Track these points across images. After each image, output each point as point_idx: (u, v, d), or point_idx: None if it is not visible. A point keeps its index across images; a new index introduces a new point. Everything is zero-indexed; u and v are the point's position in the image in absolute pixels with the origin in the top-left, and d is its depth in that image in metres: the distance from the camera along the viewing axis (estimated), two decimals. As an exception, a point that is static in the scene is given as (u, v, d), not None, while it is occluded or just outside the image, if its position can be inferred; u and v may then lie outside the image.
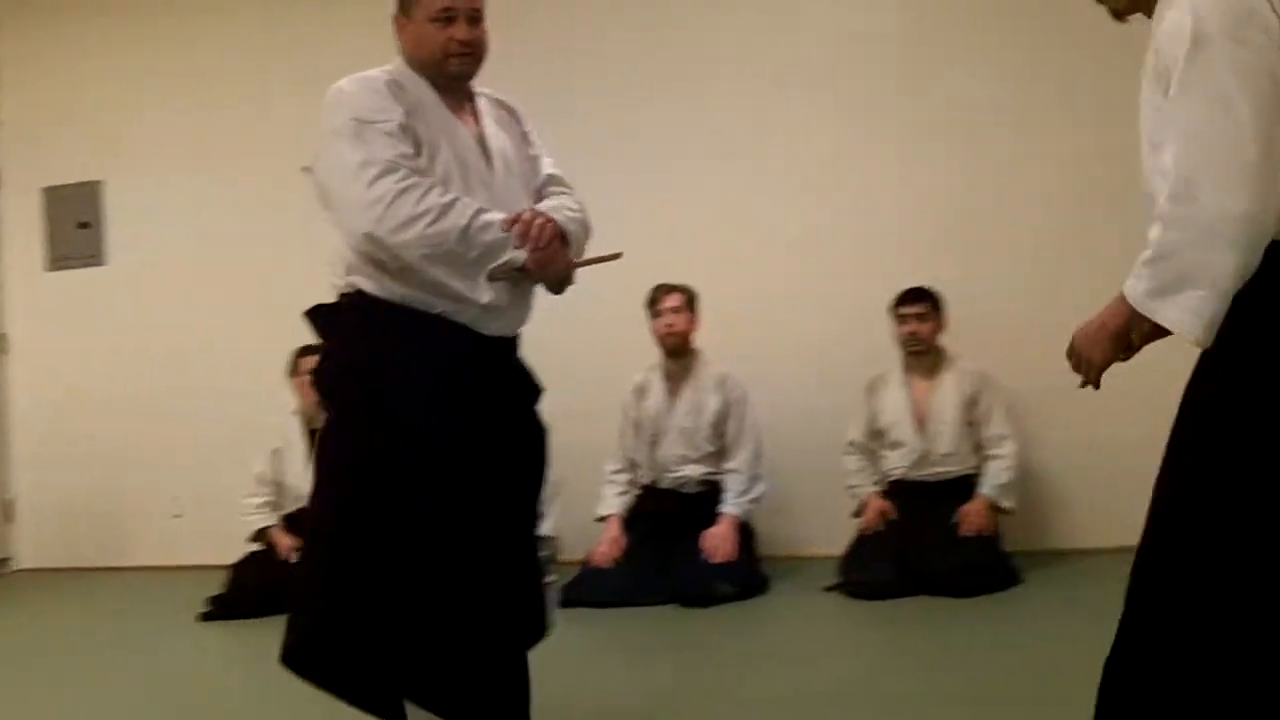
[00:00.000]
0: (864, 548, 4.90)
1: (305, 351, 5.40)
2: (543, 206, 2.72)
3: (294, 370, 5.38)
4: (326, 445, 2.69)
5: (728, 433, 5.16)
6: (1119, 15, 2.19)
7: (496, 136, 2.75)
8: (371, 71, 2.66)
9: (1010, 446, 5.00)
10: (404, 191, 2.49)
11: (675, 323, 5.14)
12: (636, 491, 5.21)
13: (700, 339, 5.23)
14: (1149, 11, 2.10)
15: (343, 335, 2.66)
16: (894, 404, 5.13)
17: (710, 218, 5.71)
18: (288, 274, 5.96)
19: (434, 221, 2.50)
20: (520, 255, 2.58)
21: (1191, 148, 1.90)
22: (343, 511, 2.60)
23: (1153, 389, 4.88)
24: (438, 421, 2.57)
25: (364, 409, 2.60)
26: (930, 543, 4.76)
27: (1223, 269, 1.89)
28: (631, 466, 5.25)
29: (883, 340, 5.17)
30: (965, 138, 5.46)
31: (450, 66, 2.66)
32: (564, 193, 2.82)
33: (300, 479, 5.38)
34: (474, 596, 2.59)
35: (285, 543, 5.21)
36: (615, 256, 2.75)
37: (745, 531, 5.04)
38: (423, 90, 2.65)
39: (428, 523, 2.55)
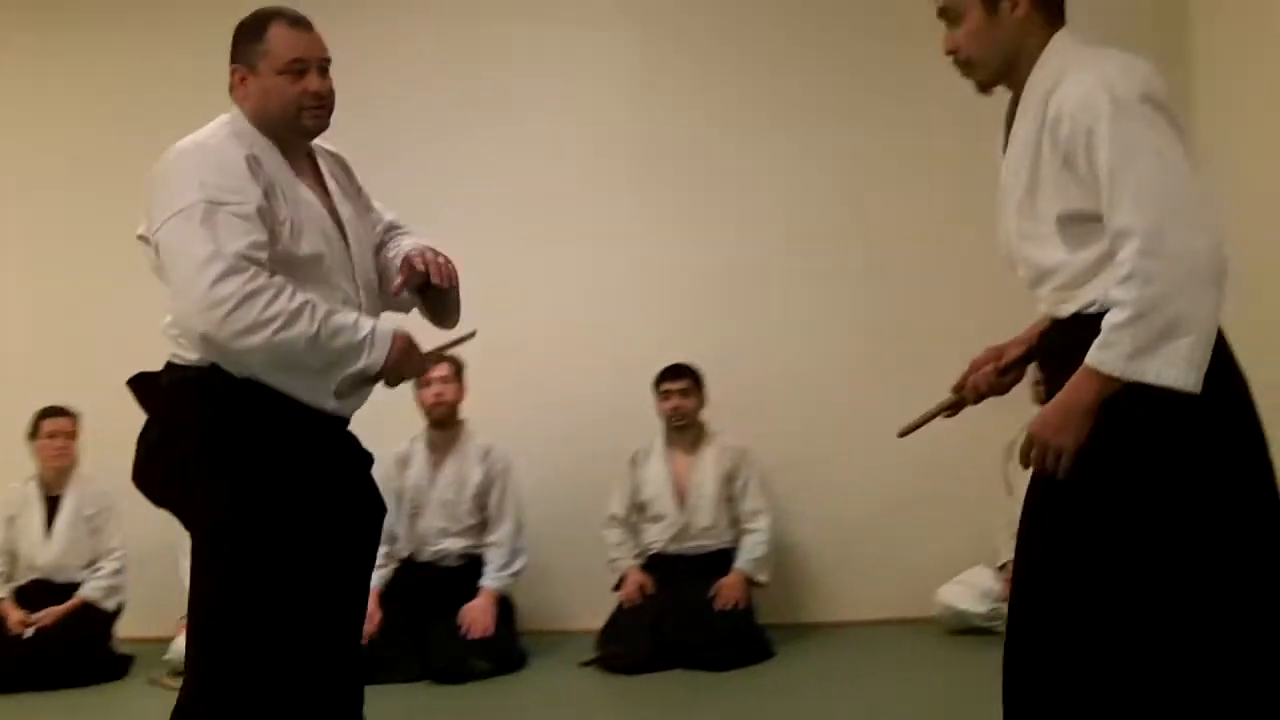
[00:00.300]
0: (622, 621, 4.92)
1: (48, 414, 5.16)
2: (410, 246, 2.65)
3: (34, 433, 5.12)
4: (210, 537, 2.45)
5: (490, 506, 5.13)
6: (984, 88, 2.28)
7: (343, 204, 2.62)
8: (219, 136, 2.47)
9: (765, 521, 5.12)
10: (250, 296, 2.30)
11: (444, 392, 5.10)
12: (394, 565, 5.10)
13: (464, 409, 5.20)
14: (1013, 84, 2.22)
15: (194, 408, 2.45)
16: (655, 477, 5.19)
17: (471, 286, 5.63)
18: (20, 332, 5.76)
19: (280, 329, 2.32)
20: (375, 364, 2.43)
21: (1151, 202, 1.99)
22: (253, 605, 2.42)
23: (900, 467, 5.17)
24: (313, 503, 2.46)
25: (240, 488, 2.41)
26: (687, 616, 4.82)
27: (1208, 309, 1.98)
28: (390, 539, 5.15)
29: (645, 414, 5.23)
30: (735, 214, 5.59)
31: (304, 121, 2.51)
32: (409, 233, 2.75)
33: (36, 548, 5.11)
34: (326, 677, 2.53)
35: (15, 616, 4.92)
36: (470, 336, 2.63)
37: (504, 606, 5.00)
38: (273, 157, 2.48)
39: (315, 612, 2.47)
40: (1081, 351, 2.07)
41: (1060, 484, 2.12)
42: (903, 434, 2.58)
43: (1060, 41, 2.19)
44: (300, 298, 2.36)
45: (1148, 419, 2.04)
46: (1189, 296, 1.98)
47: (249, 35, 2.53)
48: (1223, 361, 2.08)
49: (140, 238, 2.50)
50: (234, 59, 2.54)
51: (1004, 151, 2.26)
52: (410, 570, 5.09)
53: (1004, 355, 2.40)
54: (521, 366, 5.48)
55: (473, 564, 5.06)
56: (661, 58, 5.68)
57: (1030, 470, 2.19)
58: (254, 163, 2.42)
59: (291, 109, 2.49)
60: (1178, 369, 1.98)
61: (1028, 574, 2.23)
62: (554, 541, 5.34)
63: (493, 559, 5.04)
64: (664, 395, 5.19)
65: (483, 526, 5.12)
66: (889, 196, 5.48)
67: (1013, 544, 5.29)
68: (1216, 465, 2.07)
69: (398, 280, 2.62)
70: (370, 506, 2.66)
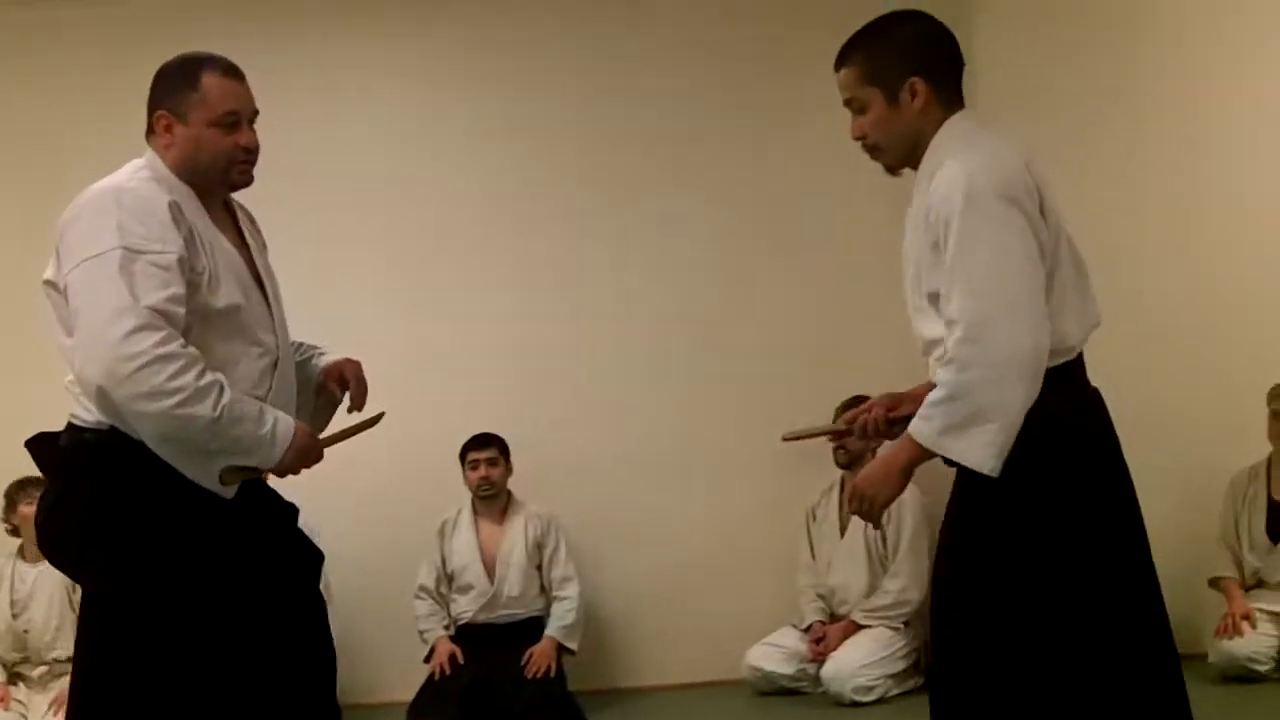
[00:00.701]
0: (433, 692, 4.87)
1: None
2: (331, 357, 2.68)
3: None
4: (98, 605, 2.34)
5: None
6: (892, 170, 2.44)
7: (259, 254, 2.55)
8: (138, 179, 2.35)
9: (574, 588, 5.13)
10: (159, 360, 2.18)
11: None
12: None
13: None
14: (916, 165, 2.37)
15: (90, 471, 2.32)
16: (464, 547, 5.17)
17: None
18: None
19: (181, 404, 2.20)
20: (268, 460, 2.33)
21: (978, 295, 2.15)
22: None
23: (706, 532, 5.27)
24: (221, 570, 2.34)
25: (135, 557, 2.29)
26: (498, 685, 4.81)
27: (1014, 403, 2.14)
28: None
29: (453, 484, 5.21)
30: (541, 288, 5.63)
31: (233, 176, 2.43)
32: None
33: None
34: None
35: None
36: (376, 420, 2.57)
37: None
38: (194, 205, 2.38)
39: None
40: None
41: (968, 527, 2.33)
42: (786, 439, 2.73)
43: (952, 126, 2.35)
44: (210, 377, 2.25)
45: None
46: (999, 389, 2.15)
47: (180, 81, 2.42)
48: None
49: (47, 283, 2.34)
50: (160, 104, 2.42)
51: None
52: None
53: (898, 407, 2.51)
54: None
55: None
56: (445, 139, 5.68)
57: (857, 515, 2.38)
58: (176, 210, 2.31)
59: (221, 162, 2.41)
60: (978, 453, 2.17)
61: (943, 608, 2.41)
62: (363, 614, 5.25)
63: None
64: (471, 465, 5.18)
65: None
66: (680, 276, 5.58)
67: (815, 605, 5.50)
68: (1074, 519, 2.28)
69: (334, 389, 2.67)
70: (299, 557, 2.53)
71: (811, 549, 5.13)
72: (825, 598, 5.05)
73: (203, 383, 2.23)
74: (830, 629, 4.95)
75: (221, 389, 2.26)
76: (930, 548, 4.38)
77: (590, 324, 5.59)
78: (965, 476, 2.29)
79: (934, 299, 2.27)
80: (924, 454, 2.24)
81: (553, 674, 4.89)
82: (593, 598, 5.33)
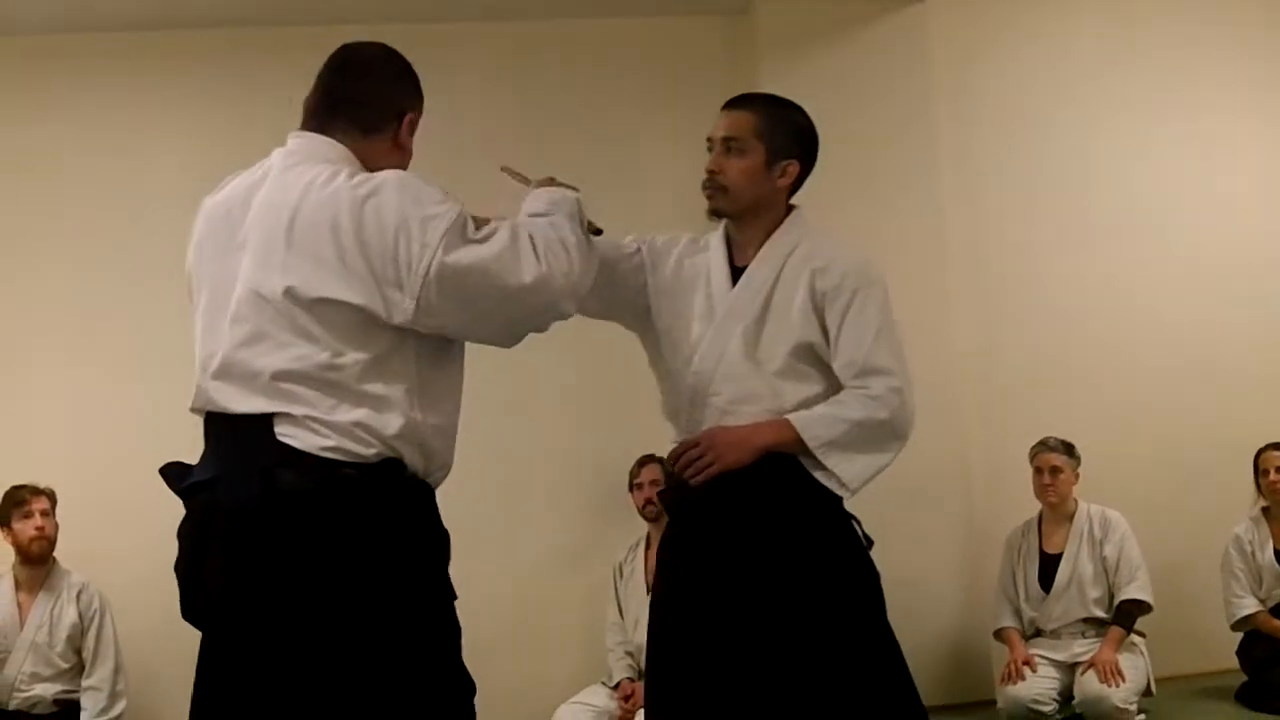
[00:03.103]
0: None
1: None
2: None
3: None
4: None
5: (85, 648, 4.82)
6: (719, 215, 2.64)
7: None
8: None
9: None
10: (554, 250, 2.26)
11: (46, 526, 4.78)
12: (-20, 715, 4.69)
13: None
14: (741, 226, 2.63)
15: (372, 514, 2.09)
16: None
17: (61, 424, 5.36)
18: None
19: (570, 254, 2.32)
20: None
21: (901, 361, 2.52)
22: None
23: (516, 587, 5.24)
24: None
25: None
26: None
27: (894, 451, 2.49)
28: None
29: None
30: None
31: None
32: None
33: None
34: None
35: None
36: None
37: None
38: None
39: None
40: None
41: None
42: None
43: (804, 216, 2.67)
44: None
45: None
46: (894, 439, 2.50)
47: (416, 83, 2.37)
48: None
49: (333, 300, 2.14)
50: (412, 106, 2.34)
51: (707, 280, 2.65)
52: (-2, 720, 4.69)
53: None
54: (116, 499, 5.14)
55: (69, 710, 4.73)
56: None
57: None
58: None
59: None
60: (852, 475, 2.46)
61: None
62: (158, 682, 5.06)
63: (89, 704, 4.73)
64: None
65: (79, 669, 4.80)
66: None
67: (624, 662, 5.54)
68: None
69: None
70: None
71: (619, 607, 5.18)
72: (633, 655, 5.09)
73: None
74: (639, 686, 5.00)
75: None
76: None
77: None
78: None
79: (803, 351, 2.53)
80: (791, 444, 2.46)
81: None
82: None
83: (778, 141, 2.60)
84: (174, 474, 2.26)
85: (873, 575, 2.59)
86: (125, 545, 5.17)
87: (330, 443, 2.07)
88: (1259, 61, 6.02)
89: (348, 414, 2.08)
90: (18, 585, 4.82)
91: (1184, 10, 6.01)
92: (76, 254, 5.35)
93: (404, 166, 2.29)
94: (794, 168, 2.61)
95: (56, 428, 5.30)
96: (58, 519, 4.84)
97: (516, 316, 2.22)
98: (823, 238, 2.64)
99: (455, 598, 2.26)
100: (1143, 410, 5.67)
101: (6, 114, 5.49)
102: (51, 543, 4.82)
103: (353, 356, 2.09)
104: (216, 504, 2.12)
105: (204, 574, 2.15)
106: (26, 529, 4.76)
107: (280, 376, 2.09)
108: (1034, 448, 5.09)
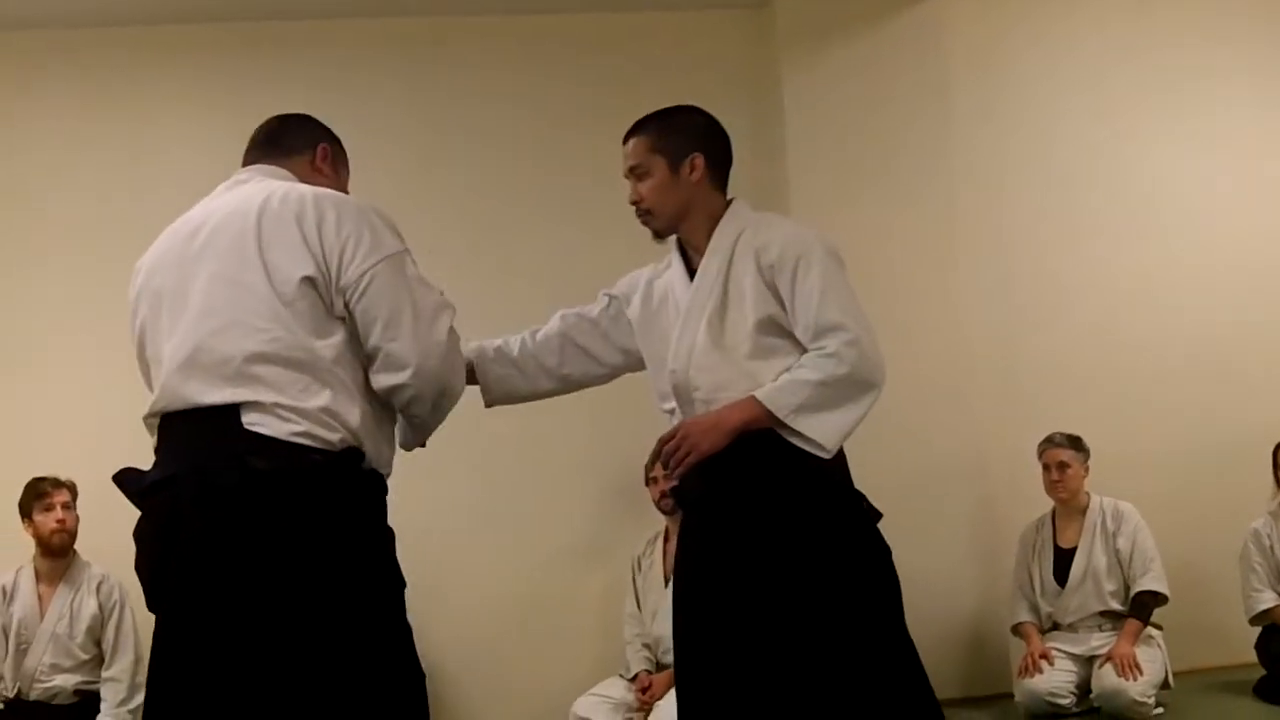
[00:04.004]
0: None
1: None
2: None
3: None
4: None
5: (105, 639, 4.85)
6: (660, 235, 2.75)
7: None
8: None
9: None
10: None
11: (66, 518, 4.80)
12: (-1, 705, 4.74)
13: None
14: (684, 233, 2.72)
15: (330, 501, 2.20)
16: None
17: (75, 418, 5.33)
18: None
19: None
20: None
21: (852, 316, 2.52)
22: None
23: (528, 581, 5.25)
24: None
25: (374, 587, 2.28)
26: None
27: (868, 404, 2.48)
28: (-8, 678, 4.79)
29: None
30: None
31: None
32: None
33: None
34: None
35: None
36: None
37: (126, 744, 4.70)
38: None
39: None
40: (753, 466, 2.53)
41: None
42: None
43: (742, 207, 2.73)
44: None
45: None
46: (863, 390, 2.49)
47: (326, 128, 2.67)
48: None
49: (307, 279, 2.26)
50: (326, 139, 2.63)
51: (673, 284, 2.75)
52: (17, 711, 4.71)
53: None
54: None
55: (89, 700, 4.76)
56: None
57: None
58: None
59: None
60: (827, 434, 2.46)
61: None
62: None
63: (110, 695, 4.75)
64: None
65: (99, 660, 4.84)
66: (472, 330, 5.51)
67: (641, 654, 5.57)
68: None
69: None
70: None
71: (637, 599, 5.20)
72: (650, 647, 5.11)
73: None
74: (656, 678, 5.02)
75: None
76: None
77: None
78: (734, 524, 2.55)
79: (765, 325, 2.57)
80: (763, 420, 2.48)
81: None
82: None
83: (672, 146, 2.70)
84: (129, 479, 2.36)
85: (883, 550, 2.60)
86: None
87: (299, 428, 2.18)
88: (1276, 56, 6.01)
89: (316, 397, 2.21)
90: (38, 577, 4.86)
91: (1199, 3, 6.01)
92: (99, 248, 5.37)
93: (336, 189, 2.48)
94: (699, 160, 2.70)
95: (78, 421, 5.32)
96: (79, 512, 4.86)
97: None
98: (762, 221, 2.71)
99: (405, 585, 2.36)
100: (1159, 405, 5.67)
101: (16, 109, 5.51)
102: (72, 535, 4.84)
103: (324, 341, 2.24)
104: (179, 499, 2.20)
105: (174, 561, 2.22)
106: (48, 521, 4.78)
107: (254, 359, 2.20)
108: (1041, 444, 5.11)
